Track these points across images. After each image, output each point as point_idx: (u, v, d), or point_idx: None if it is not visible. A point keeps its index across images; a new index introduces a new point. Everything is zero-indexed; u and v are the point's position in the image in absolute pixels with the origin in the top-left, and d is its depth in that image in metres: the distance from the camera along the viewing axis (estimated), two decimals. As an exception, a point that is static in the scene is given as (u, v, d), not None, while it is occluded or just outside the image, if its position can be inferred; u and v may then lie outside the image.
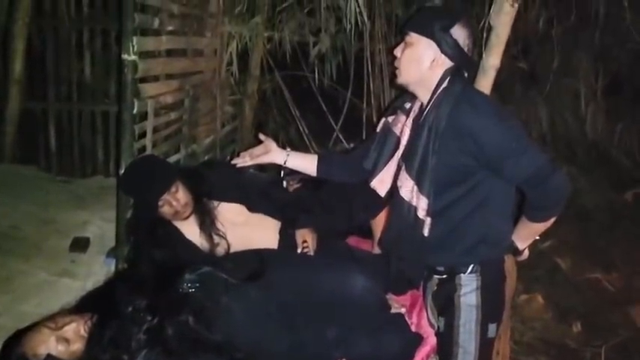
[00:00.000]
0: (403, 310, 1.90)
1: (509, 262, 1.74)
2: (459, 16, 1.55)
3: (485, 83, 2.36)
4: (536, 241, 1.70)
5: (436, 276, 1.67)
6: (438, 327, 1.68)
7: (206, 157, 2.93)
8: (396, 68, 1.58)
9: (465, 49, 1.52)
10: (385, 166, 1.69)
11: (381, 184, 1.71)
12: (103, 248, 2.42)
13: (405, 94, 1.69)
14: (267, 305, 1.62)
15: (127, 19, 1.99)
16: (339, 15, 3.24)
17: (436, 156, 1.47)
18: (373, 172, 1.72)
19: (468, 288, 1.58)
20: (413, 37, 1.53)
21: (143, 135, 2.25)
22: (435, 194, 1.50)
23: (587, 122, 4.31)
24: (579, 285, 3.41)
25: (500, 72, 2.38)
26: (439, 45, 1.49)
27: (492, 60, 2.35)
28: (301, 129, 3.93)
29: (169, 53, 2.56)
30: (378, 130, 1.78)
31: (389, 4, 3.53)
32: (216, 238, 2.05)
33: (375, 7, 3.40)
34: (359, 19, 3.08)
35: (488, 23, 2.40)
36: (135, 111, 2.06)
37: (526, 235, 1.64)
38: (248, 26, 3.21)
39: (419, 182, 1.51)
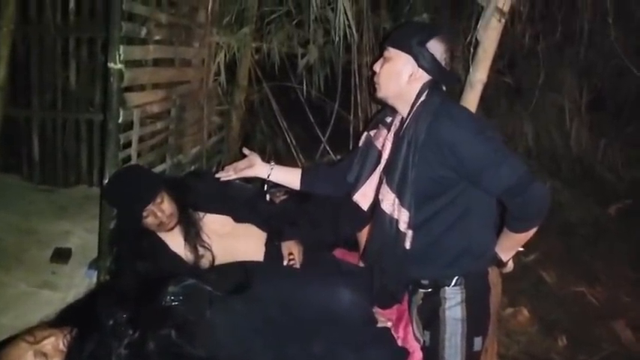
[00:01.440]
0: (389, 325, 1.88)
1: (493, 274, 1.74)
2: (436, 30, 1.59)
3: (472, 97, 2.38)
4: (520, 253, 1.71)
5: (421, 290, 1.67)
6: (424, 341, 1.67)
7: (192, 168, 2.91)
8: (375, 83, 1.60)
9: (443, 63, 1.54)
10: (367, 179, 1.71)
11: (363, 197, 1.72)
12: (85, 259, 2.39)
13: (386, 107, 1.71)
14: (253, 319, 1.59)
15: (114, 28, 1.97)
16: (328, 27, 3.25)
17: (416, 169, 1.48)
18: (355, 186, 1.73)
19: (453, 301, 1.58)
20: (391, 52, 1.56)
21: (128, 144, 2.22)
22: (415, 207, 1.51)
23: (572, 137, 4.36)
24: (564, 298, 3.43)
25: (486, 86, 2.40)
26: (416, 59, 1.52)
27: (479, 74, 2.37)
28: (289, 140, 3.92)
29: (156, 62, 2.54)
30: (360, 144, 1.79)
31: (377, 18, 3.55)
32: (201, 250, 2.02)
33: (363, 20, 3.42)
34: (347, 31, 3.09)
35: (476, 38, 2.42)
36: (120, 120, 2.04)
37: (509, 247, 1.64)
38: (236, 37, 3.20)
39: (400, 195, 1.52)
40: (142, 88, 2.43)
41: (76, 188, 3.58)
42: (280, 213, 2.24)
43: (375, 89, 1.62)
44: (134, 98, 2.18)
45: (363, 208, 1.74)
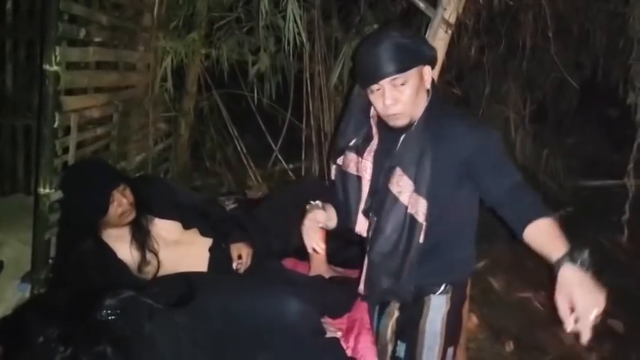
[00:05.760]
0: (339, 335, 1.85)
1: None
2: (417, 32, 1.62)
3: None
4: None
5: (398, 302, 1.66)
6: (394, 352, 1.65)
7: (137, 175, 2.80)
8: (396, 114, 1.51)
9: None
10: (359, 209, 1.65)
11: (363, 227, 1.67)
12: (18, 272, 2.25)
13: (345, 131, 1.66)
14: (196, 332, 1.52)
15: (50, 28, 1.89)
16: (279, 35, 3.22)
17: (432, 164, 1.49)
18: (351, 219, 1.68)
19: (437, 313, 1.58)
20: (406, 75, 1.47)
21: (66, 150, 2.11)
22: (432, 197, 1.51)
23: (517, 147, 4.49)
24: (511, 304, 3.50)
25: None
26: (431, 62, 1.53)
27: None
28: (239, 148, 3.86)
29: (99, 66, 2.44)
30: (333, 178, 1.75)
31: (328, 27, 3.57)
32: (148, 255, 1.98)
33: (314, 29, 3.42)
34: (298, 39, 3.07)
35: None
36: (56, 125, 1.94)
37: (556, 235, 1.45)
38: (184, 42, 3.12)
39: (417, 184, 1.52)
40: (83, 91, 2.33)
41: (12, 197, 3.38)
42: (229, 218, 2.22)
43: (394, 118, 1.52)
44: (71, 102, 2.09)
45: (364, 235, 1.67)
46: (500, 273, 3.70)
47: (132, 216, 1.98)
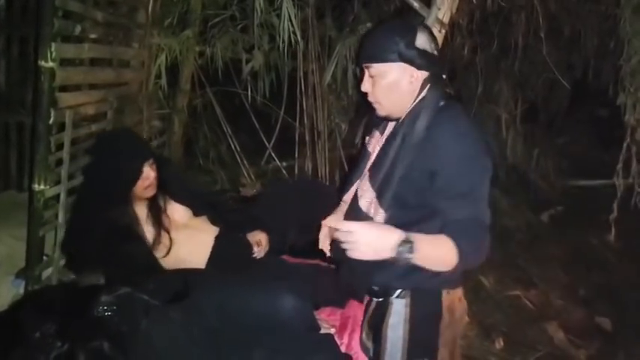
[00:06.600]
0: (333, 331, 1.87)
1: (455, 298, 1.59)
2: (411, 25, 1.44)
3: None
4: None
5: (374, 299, 1.58)
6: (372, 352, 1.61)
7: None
8: (372, 103, 1.47)
9: (435, 52, 1.44)
10: (356, 180, 1.59)
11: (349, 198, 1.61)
12: (12, 269, 2.24)
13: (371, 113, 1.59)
14: (191, 329, 1.54)
15: (46, 24, 1.87)
16: (273, 33, 3.23)
17: (402, 168, 1.39)
18: (345, 188, 1.62)
19: (396, 318, 1.48)
20: (380, 67, 1.42)
21: (60, 147, 2.11)
22: (392, 211, 1.42)
23: (508, 146, 4.54)
24: (501, 302, 3.54)
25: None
26: (413, 64, 1.40)
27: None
28: (233, 146, 3.86)
29: (93, 63, 2.43)
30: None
31: (322, 26, 3.58)
32: (162, 234, 2.01)
33: (308, 27, 3.43)
34: (292, 38, 3.08)
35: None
36: (51, 121, 1.93)
37: (428, 251, 1.35)
38: (178, 39, 3.12)
39: (380, 194, 1.44)
40: (77, 88, 2.32)
41: (5, 194, 3.37)
42: (238, 210, 2.34)
43: (374, 109, 1.49)
44: (66, 99, 2.08)
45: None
46: (490, 271, 3.74)
47: (153, 192, 2.03)
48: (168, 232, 2.02)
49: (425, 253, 1.31)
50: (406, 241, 1.29)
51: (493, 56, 4.02)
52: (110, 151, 1.99)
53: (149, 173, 1.99)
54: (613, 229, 3.42)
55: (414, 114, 1.41)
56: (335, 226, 1.36)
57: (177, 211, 2.11)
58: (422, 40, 1.40)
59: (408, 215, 1.40)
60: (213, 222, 2.15)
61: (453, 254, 1.32)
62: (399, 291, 1.48)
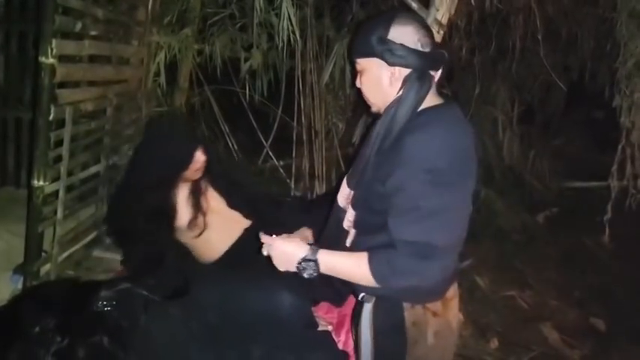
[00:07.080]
0: (330, 328, 1.88)
1: (450, 311, 1.56)
2: (390, 17, 1.34)
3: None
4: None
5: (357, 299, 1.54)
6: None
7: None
8: (366, 100, 1.45)
9: (419, 46, 1.31)
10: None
11: (344, 192, 1.57)
12: (10, 264, 2.25)
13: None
14: (190, 324, 1.55)
15: (47, 21, 1.89)
16: (272, 32, 3.24)
17: (371, 173, 1.35)
18: (339, 189, 1.57)
19: (365, 321, 1.43)
20: (361, 62, 1.38)
21: (59, 143, 2.12)
22: (362, 211, 1.40)
23: (504, 148, 4.56)
24: (496, 302, 3.55)
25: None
26: (384, 59, 1.31)
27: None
28: (230, 145, 3.87)
29: (92, 60, 2.44)
30: None
31: (321, 25, 3.59)
32: (198, 216, 2.09)
33: (307, 27, 3.44)
34: (291, 37, 3.09)
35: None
36: (51, 117, 1.94)
37: (337, 263, 1.38)
38: (177, 37, 3.12)
39: (353, 193, 1.44)
40: (76, 85, 2.33)
41: (2, 190, 3.38)
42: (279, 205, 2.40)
43: (369, 106, 1.46)
44: (66, 95, 2.09)
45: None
46: (485, 271, 3.76)
47: (200, 175, 2.11)
48: (204, 216, 2.09)
49: (332, 271, 1.38)
50: (308, 260, 1.36)
51: (490, 58, 4.03)
52: (163, 136, 2.07)
53: (200, 157, 2.07)
54: (607, 231, 3.44)
55: (386, 114, 1.33)
56: (261, 238, 1.45)
57: (214, 198, 2.19)
58: (401, 34, 1.30)
59: (373, 218, 1.37)
60: (247, 216, 2.22)
61: (369, 276, 1.31)
62: (362, 294, 1.43)
